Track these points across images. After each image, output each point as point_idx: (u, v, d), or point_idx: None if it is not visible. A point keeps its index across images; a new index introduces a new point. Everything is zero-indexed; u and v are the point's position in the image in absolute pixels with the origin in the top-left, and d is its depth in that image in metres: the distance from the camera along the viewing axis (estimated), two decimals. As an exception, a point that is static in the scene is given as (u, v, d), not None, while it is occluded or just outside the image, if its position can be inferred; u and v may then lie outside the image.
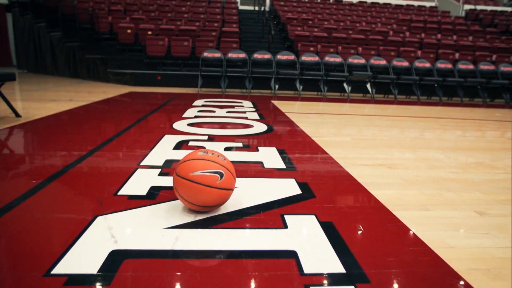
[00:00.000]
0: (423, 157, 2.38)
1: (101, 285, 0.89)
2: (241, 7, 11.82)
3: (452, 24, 11.19)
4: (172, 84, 7.22)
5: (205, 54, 6.69)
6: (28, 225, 1.19)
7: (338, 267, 1.01)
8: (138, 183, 1.61)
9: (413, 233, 1.25)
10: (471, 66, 7.25)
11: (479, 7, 14.15)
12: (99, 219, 1.25)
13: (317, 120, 3.86)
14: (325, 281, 0.94)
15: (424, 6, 13.70)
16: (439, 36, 9.76)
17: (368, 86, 6.82)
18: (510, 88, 7.05)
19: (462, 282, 0.97)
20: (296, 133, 3.02)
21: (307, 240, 1.15)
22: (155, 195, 1.47)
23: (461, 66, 7.21)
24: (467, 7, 14.14)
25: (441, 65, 7.17)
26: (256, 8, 11.33)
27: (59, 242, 1.08)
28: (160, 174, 1.74)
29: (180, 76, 7.34)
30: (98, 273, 0.93)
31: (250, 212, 1.34)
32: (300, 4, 11.93)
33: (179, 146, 2.34)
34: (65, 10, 9.67)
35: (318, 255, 1.07)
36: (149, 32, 7.95)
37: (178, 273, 0.95)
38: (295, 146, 2.54)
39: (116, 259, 1.00)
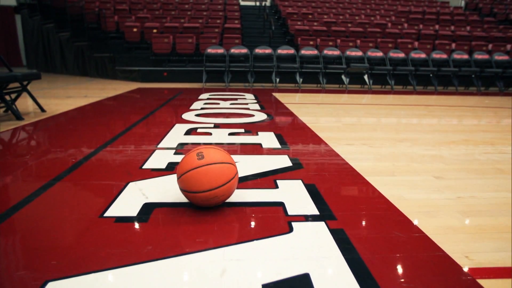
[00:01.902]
0: (404, 138, 2.70)
1: (141, 222, 1.24)
2: (242, 3, 12.08)
3: (451, 14, 11.36)
4: (178, 80, 7.56)
5: (209, 50, 7.02)
6: (78, 188, 1.54)
7: (314, 211, 1.35)
8: (158, 159, 1.96)
9: (377, 190, 1.58)
10: (465, 56, 7.49)
11: (478, -3, 14.23)
12: (131, 184, 1.60)
13: (314, 110, 4.18)
14: (303, 218, 1.28)
15: (424, -3, 13.83)
16: (436, 27, 9.96)
17: (366, 77, 7.10)
18: (503, 76, 7.29)
19: (404, 219, 1.30)
20: (293, 121, 3.35)
21: (292, 195, 1.49)
22: (173, 168, 1.82)
23: (456, 56, 7.45)
24: (467, -4, 14.22)
25: (437, 55, 7.42)
26: (257, 3, 11.59)
27: (104, 198, 1.43)
28: (175, 154, 2.09)
29: (185, 72, 7.68)
30: (138, 215, 1.28)
31: (249, 178, 1.69)
32: (300, -1, 12.16)
33: (189, 132, 2.68)
34: (73, 11, 10.03)
35: (300, 204, 1.41)
36: (154, 30, 8.28)
37: (194, 215, 1.30)
38: (291, 130, 2.88)
39: (149, 208, 1.35)
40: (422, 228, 1.23)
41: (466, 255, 1.07)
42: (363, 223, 1.27)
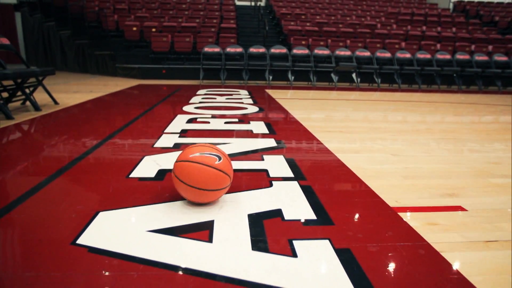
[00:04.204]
0: (377, 127, 3.12)
1: (159, 180, 1.64)
2: (238, 3, 12.47)
3: (438, 16, 11.83)
4: (176, 77, 7.93)
5: (206, 49, 7.40)
6: (104, 160, 1.94)
7: (290, 174, 1.75)
8: (166, 141, 2.36)
9: (342, 162, 1.99)
10: (448, 56, 7.95)
11: (466, -1, 14.74)
12: (146, 157, 1.99)
13: (302, 104, 4.59)
14: (281, 179, 1.69)
15: (414, -1, 14.31)
16: (424, 28, 10.42)
17: (354, 75, 7.53)
18: (483, 76, 7.76)
19: (358, 180, 1.72)
20: (282, 113, 3.75)
21: (275, 165, 1.90)
22: (179, 147, 2.21)
23: (439, 56, 7.91)
24: (455, -2, 14.72)
25: (421, 55, 7.87)
26: (253, 3, 11.98)
27: (126, 166, 1.83)
28: (180, 137, 2.49)
29: (183, 70, 8.06)
30: (155, 176, 1.68)
31: (241, 154, 2.09)
32: (294, -1, 12.57)
33: (190, 121, 3.08)
34: (73, 10, 10.35)
35: (280, 170, 1.82)
36: (153, 29, 8.64)
37: (199, 177, 1.70)
38: (279, 120, 3.28)
39: (162, 172, 1.75)
40: (370, 186, 1.64)
41: (396, 200, 1.49)
42: (326, 182, 1.68)
